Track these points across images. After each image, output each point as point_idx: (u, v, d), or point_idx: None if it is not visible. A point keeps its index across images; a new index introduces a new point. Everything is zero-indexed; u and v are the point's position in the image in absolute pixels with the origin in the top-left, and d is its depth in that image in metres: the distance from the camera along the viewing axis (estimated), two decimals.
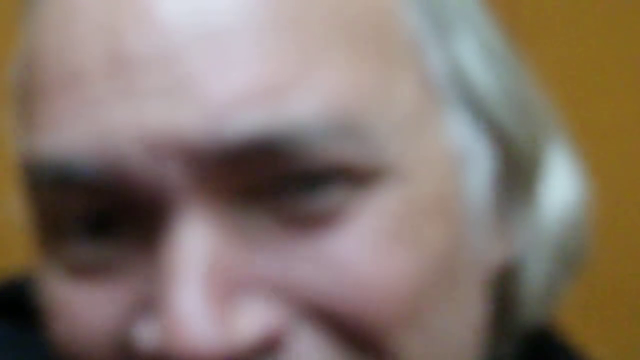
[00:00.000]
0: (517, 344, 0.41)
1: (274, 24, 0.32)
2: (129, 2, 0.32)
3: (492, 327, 0.39)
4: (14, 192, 0.38)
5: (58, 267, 0.35)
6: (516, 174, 0.38)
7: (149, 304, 0.32)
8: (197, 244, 0.31)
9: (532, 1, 0.70)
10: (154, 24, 0.31)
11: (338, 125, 0.32)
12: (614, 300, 0.70)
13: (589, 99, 0.69)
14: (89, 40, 0.32)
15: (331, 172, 0.32)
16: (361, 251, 0.32)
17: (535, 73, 0.40)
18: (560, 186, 0.40)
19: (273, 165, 0.32)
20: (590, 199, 0.41)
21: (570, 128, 0.41)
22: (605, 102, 0.70)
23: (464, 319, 0.36)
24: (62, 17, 0.33)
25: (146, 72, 0.31)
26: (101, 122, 0.32)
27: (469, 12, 0.37)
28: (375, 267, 0.32)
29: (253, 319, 0.31)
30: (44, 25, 0.34)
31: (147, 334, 0.32)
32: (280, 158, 0.31)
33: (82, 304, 0.34)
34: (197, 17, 0.31)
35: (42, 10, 0.35)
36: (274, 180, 0.32)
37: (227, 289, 0.31)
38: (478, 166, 0.36)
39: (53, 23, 0.34)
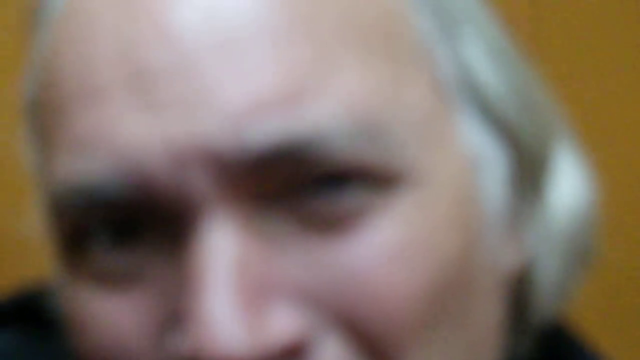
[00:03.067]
0: (532, 342, 0.41)
1: (289, 32, 0.32)
2: (145, 16, 0.32)
3: (508, 328, 0.39)
4: (29, 203, 0.38)
5: (83, 279, 0.35)
6: (526, 174, 0.38)
7: (179, 311, 0.32)
8: (224, 249, 0.31)
9: (549, 4, 0.70)
10: (171, 37, 0.32)
11: (356, 127, 0.32)
12: (625, 298, 0.70)
13: (597, 97, 0.69)
14: (107, 56, 0.32)
15: (350, 175, 0.32)
16: (379, 260, 0.32)
17: (544, 72, 0.40)
18: (568, 184, 0.40)
19: (294, 169, 0.32)
20: (598, 195, 0.42)
21: (578, 126, 0.42)
22: (612, 101, 0.70)
23: (482, 324, 0.36)
24: (78, 33, 0.33)
25: (165, 84, 0.31)
26: (124, 138, 0.32)
27: (475, 14, 0.38)
28: (393, 277, 0.32)
29: (281, 325, 0.31)
30: (59, 41, 0.34)
31: (179, 343, 0.32)
32: (302, 162, 0.32)
33: (111, 315, 0.34)
34: (213, 28, 0.32)
35: (57, 25, 0.35)
36: (295, 183, 0.32)
37: (255, 295, 0.31)
38: (491, 169, 0.36)
39: (69, 39, 0.34)
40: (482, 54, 0.37)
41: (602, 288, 0.58)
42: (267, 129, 0.31)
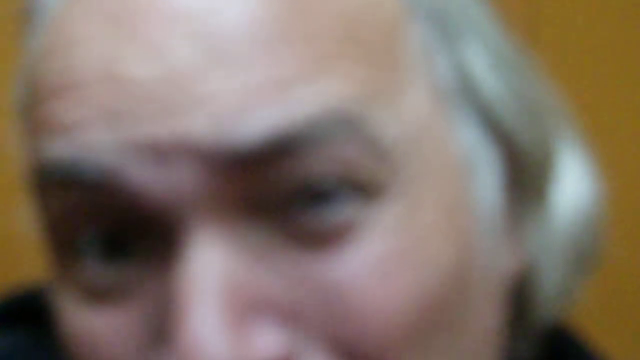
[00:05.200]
0: (533, 345, 0.41)
1: (280, 33, 0.32)
2: (130, 28, 0.32)
3: (509, 330, 0.39)
4: (26, 204, 0.38)
5: (74, 293, 0.35)
6: (526, 178, 0.38)
7: (167, 327, 0.32)
8: (211, 265, 0.31)
9: (551, 3, 0.70)
10: (156, 50, 0.32)
11: (345, 123, 0.32)
12: (630, 300, 0.70)
13: (603, 99, 0.69)
14: (92, 62, 0.32)
15: (339, 183, 0.32)
16: (366, 277, 0.32)
17: (549, 73, 0.40)
18: (572, 186, 0.40)
19: (283, 168, 0.31)
20: (603, 198, 0.41)
21: (584, 128, 0.41)
22: (619, 102, 0.70)
23: (479, 329, 0.36)
24: (64, 42, 0.33)
25: (150, 89, 0.31)
26: (106, 130, 0.32)
27: (475, 18, 0.37)
28: (380, 293, 0.32)
29: (267, 343, 0.31)
30: (46, 50, 0.34)
31: (166, 359, 0.32)
32: (290, 158, 0.31)
33: (101, 331, 0.33)
34: (199, 40, 0.31)
35: (48, 29, 0.35)
36: (283, 192, 0.32)
37: (241, 312, 0.31)
38: (487, 173, 0.36)
39: (56, 48, 0.34)
40: (483, 59, 0.36)
41: (607, 289, 0.58)
42: (254, 124, 0.31)
